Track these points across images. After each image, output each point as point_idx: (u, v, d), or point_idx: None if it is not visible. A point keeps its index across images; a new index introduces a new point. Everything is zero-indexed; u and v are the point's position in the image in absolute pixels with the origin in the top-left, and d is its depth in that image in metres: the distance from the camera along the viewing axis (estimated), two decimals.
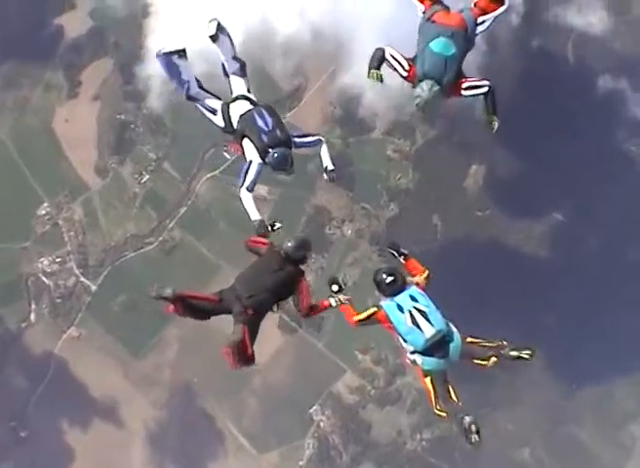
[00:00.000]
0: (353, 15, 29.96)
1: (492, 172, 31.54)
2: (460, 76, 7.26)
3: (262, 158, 7.68)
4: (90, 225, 31.01)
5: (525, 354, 6.96)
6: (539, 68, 31.04)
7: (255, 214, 7.81)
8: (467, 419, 6.65)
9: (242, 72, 8.42)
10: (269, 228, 7.80)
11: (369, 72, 7.25)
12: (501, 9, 7.38)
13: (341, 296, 7.39)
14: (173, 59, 8.09)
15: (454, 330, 6.63)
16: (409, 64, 7.21)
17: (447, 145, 31.10)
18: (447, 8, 7.34)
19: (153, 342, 30.76)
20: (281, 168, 7.70)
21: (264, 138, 7.64)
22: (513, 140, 30.81)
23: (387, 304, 6.56)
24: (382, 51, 7.35)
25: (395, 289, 6.66)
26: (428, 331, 6.38)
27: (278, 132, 7.74)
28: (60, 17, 32.48)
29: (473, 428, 6.63)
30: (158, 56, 8.11)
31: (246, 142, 7.73)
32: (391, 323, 6.53)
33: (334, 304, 7.34)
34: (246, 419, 30.87)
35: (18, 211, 30.86)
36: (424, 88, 6.94)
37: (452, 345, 6.57)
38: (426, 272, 7.13)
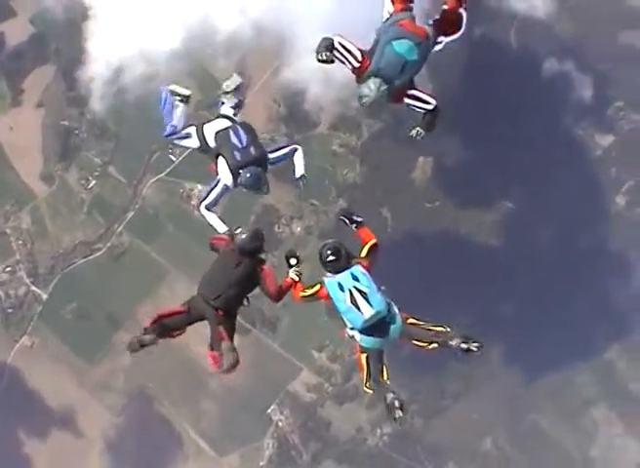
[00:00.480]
0: (295, 10, 29.74)
1: (439, 162, 31.40)
2: (411, 83, 6.92)
3: (234, 178, 7.40)
4: (38, 233, 30.78)
5: (474, 346, 6.65)
6: (483, 55, 30.83)
7: (221, 227, 7.56)
8: (390, 396, 6.51)
9: (237, 109, 8.34)
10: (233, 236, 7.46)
11: (318, 54, 6.68)
12: (457, 34, 7.07)
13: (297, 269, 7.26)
14: (175, 100, 7.91)
15: (395, 311, 6.48)
16: (362, 56, 6.76)
17: (393, 138, 30.86)
18: (414, 18, 6.95)
19: (106, 348, 30.46)
20: (254, 188, 7.46)
21: (237, 156, 7.35)
22: (460, 130, 30.66)
23: (329, 281, 6.43)
24: (331, 39, 6.88)
25: (337, 266, 6.50)
26: (367, 311, 6.26)
27: (252, 149, 7.45)
28: (0, 24, 32.11)
29: (396, 404, 6.46)
30: (164, 90, 7.89)
31: (220, 161, 7.44)
32: (331, 300, 6.43)
33: (296, 278, 7.26)
34: (204, 422, 30.68)
35: None
36: (372, 87, 6.55)
37: (392, 326, 6.42)
38: (373, 240, 6.89)
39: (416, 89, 6.92)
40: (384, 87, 6.53)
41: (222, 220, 7.61)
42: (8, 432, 30.54)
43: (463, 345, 6.55)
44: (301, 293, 6.92)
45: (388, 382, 6.64)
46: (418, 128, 7.37)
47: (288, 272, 7.34)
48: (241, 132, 7.52)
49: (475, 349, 6.57)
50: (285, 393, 30.57)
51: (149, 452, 30.79)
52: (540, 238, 31.48)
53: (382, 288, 6.46)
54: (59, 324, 30.46)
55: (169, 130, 7.71)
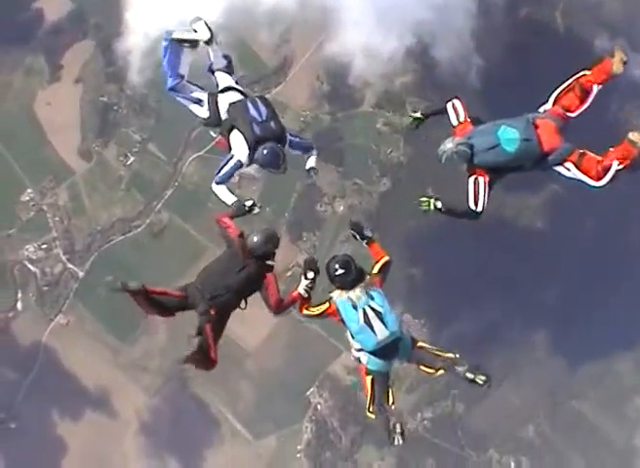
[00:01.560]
0: None
1: None
2: (490, 172, 6.50)
3: (251, 153, 7.02)
4: (75, 210, 30.26)
5: (479, 379, 6.37)
6: (527, 35, 30.32)
7: (230, 199, 7.22)
8: (393, 420, 6.37)
9: (229, 68, 7.66)
10: (247, 209, 7.14)
11: (411, 115, 6.65)
12: (602, 182, 6.47)
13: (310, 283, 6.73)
14: (180, 47, 7.35)
15: (405, 333, 6.28)
16: (465, 119, 6.74)
17: (438, 117, 30.25)
18: (559, 127, 6.51)
19: (143, 328, 29.91)
20: (272, 165, 7.06)
21: (257, 130, 6.93)
22: (507, 110, 30.14)
23: (340, 299, 6.12)
24: (445, 106, 6.89)
25: (347, 281, 6.16)
26: (381, 333, 6.00)
27: (272, 123, 7.04)
28: (38, 0, 31.70)
29: (398, 428, 6.38)
30: (167, 39, 7.32)
31: (235, 135, 7.05)
32: (342, 318, 6.13)
33: (304, 295, 6.75)
34: (241, 405, 30.10)
35: (1, 198, 30.07)
36: (448, 145, 6.42)
37: (401, 349, 6.23)
38: (386, 258, 6.59)
39: (486, 183, 6.37)
40: (463, 150, 6.27)
41: (231, 191, 7.23)
42: (41, 412, 29.94)
43: (469, 375, 6.29)
44: (307, 312, 6.55)
45: (393, 407, 6.37)
46: (434, 200, 6.75)
47: (298, 284, 6.80)
48: (260, 104, 7.11)
49: (481, 383, 6.26)
50: (324, 375, 29.99)
51: (185, 435, 30.20)
52: (587, 223, 30.85)
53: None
54: (95, 302, 29.88)
55: (172, 82, 7.19)
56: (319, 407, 29.98)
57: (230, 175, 7.20)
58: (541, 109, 6.76)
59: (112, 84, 30.92)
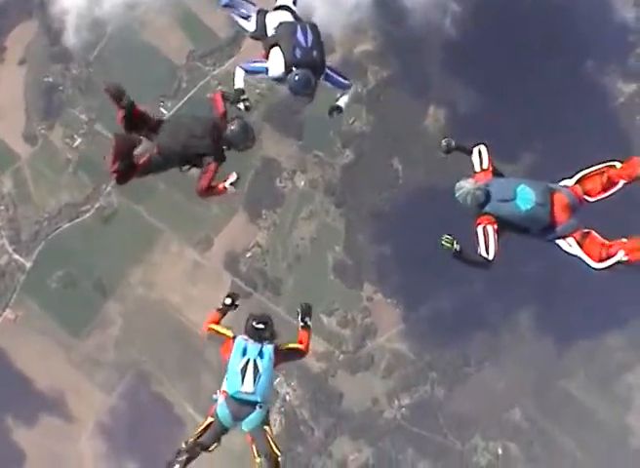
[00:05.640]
0: None
1: (453, 110, 29.12)
2: (497, 222, 6.42)
3: (284, 73, 6.99)
4: (20, 197, 28.57)
5: None
6: None
7: (238, 83, 7.26)
8: (180, 457, 6.07)
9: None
10: (239, 99, 7.19)
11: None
12: (601, 266, 6.55)
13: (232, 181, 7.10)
14: None
15: (265, 410, 6.22)
16: (488, 167, 6.74)
17: (401, 84, 28.71)
18: (573, 206, 6.55)
19: (96, 320, 27.99)
20: (299, 91, 6.96)
21: (297, 54, 6.90)
22: (474, 75, 28.58)
23: (240, 341, 6.26)
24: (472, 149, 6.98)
25: (258, 336, 6.29)
26: (247, 387, 6.07)
27: (314, 53, 6.99)
28: None
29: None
30: None
31: (275, 52, 7.01)
32: (229, 355, 6.31)
33: (229, 189, 7.09)
34: (204, 398, 27.88)
35: None
36: (467, 186, 6.39)
37: (253, 417, 6.13)
38: (305, 349, 6.71)
39: (495, 231, 6.37)
40: (480, 195, 6.35)
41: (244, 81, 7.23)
42: None
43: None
44: (212, 326, 6.68)
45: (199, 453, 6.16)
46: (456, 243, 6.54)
47: (225, 182, 7.02)
48: (309, 32, 7.09)
49: None
50: (292, 363, 27.79)
51: (145, 433, 28.08)
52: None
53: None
54: (44, 294, 27.99)
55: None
56: (287, 397, 27.95)
57: (255, 72, 7.22)
58: (562, 183, 6.71)
59: (57, 64, 29.30)
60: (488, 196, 6.41)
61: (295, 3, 7.58)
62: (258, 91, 28.72)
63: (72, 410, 28.58)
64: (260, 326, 6.25)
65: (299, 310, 6.89)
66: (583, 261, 6.53)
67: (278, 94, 28.42)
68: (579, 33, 29.34)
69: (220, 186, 7.00)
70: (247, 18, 7.37)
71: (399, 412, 28.42)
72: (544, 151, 29.27)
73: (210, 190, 6.91)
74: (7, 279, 28.15)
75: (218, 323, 6.69)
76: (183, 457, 6.01)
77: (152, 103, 28.52)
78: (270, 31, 7.20)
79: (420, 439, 28.32)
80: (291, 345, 6.57)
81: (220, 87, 28.50)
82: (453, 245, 6.37)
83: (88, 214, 28.20)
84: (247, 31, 7.47)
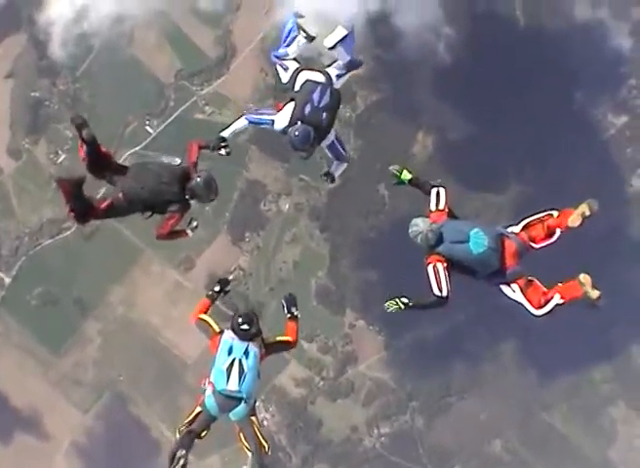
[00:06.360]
0: None
1: (442, 137, 28.89)
2: (448, 261, 6.60)
3: (287, 126, 7.13)
4: (2, 212, 28.33)
5: None
6: (488, 21, 28.58)
7: (226, 132, 7.45)
8: (183, 452, 6.21)
9: (348, 68, 7.53)
10: (218, 147, 7.39)
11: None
12: (541, 312, 6.80)
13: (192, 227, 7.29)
14: (299, 34, 7.54)
15: (251, 404, 6.43)
16: (444, 208, 6.89)
17: (391, 110, 28.46)
18: (518, 251, 6.76)
19: (74, 338, 27.70)
20: (295, 146, 7.09)
21: (306, 110, 7.05)
22: (464, 100, 28.33)
23: (227, 339, 6.41)
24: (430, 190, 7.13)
25: (247, 335, 6.41)
26: (232, 385, 6.27)
27: (324, 115, 7.11)
28: None
29: (181, 462, 6.14)
30: (293, 20, 7.53)
31: (289, 105, 7.21)
32: (216, 350, 6.46)
33: (189, 233, 7.24)
34: (180, 420, 27.56)
35: None
36: (421, 225, 6.49)
37: (239, 410, 6.34)
38: (292, 341, 6.92)
39: (445, 269, 6.50)
40: (431, 237, 6.42)
41: (235, 133, 7.46)
42: None
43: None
44: (201, 316, 6.83)
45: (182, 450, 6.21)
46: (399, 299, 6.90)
47: (188, 226, 7.20)
48: (327, 94, 7.20)
49: None
50: (271, 388, 27.63)
51: (121, 453, 27.80)
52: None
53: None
54: (23, 311, 27.71)
55: (280, 53, 7.50)
56: (265, 422, 27.55)
57: (259, 124, 7.44)
58: (510, 229, 6.92)
59: (45, 78, 29.02)
60: (440, 238, 6.52)
61: (338, 76, 7.52)
62: (245, 111, 28.60)
63: (48, 429, 28.31)
64: (245, 326, 6.34)
65: (283, 302, 7.09)
66: (525, 308, 6.68)
67: None
68: (571, 63, 29.10)
69: (183, 232, 7.16)
70: (286, 69, 7.49)
71: (379, 441, 28.09)
72: (533, 182, 29.00)
73: (170, 235, 7.01)
74: None
75: (206, 312, 6.86)
76: (180, 459, 6.13)
77: (138, 121, 28.41)
78: (297, 87, 7.30)
79: None
80: (279, 338, 6.76)
81: (207, 107, 28.33)
82: (399, 304, 6.68)
83: (69, 231, 27.88)
84: (281, 81, 7.60)
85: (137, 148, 27.95)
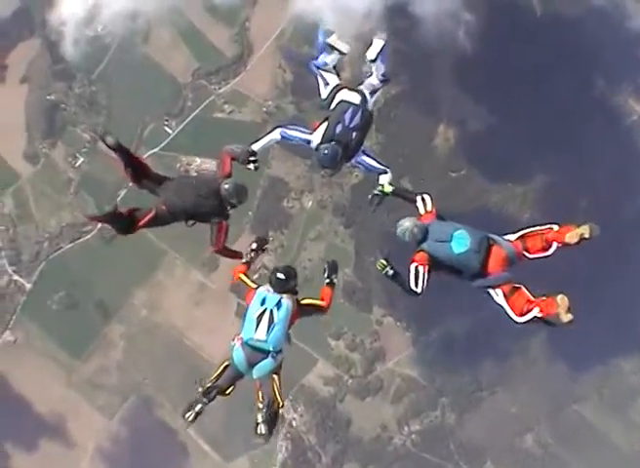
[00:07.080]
0: None
1: (464, 129, 28.59)
2: (434, 263, 6.76)
3: (319, 144, 7.25)
4: (21, 217, 27.99)
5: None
6: (508, 12, 28.34)
7: (257, 145, 7.35)
8: (200, 406, 6.40)
9: (382, 81, 7.72)
10: (247, 162, 7.23)
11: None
12: (521, 320, 6.70)
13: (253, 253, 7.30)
14: (331, 47, 7.59)
15: (277, 361, 6.44)
16: (432, 210, 7.06)
17: (411, 103, 28.18)
18: (509, 258, 6.81)
19: (97, 342, 27.32)
20: (325, 164, 7.20)
21: (336, 130, 7.18)
22: (484, 90, 28.08)
23: (262, 292, 6.49)
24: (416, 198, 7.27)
25: (281, 287, 6.48)
26: (260, 334, 6.32)
27: (354, 134, 7.25)
28: None
29: (197, 408, 6.39)
30: (322, 35, 7.58)
31: (323, 124, 7.31)
32: (250, 302, 6.57)
33: (245, 259, 7.23)
34: (207, 423, 27.16)
35: None
36: (407, 224, 6.68)
37: (264, 364, 6.40)
38: (325, 306, 6.85)
39: (425, 272, 6.64)
40: (416, 233, 6.65)
41: (266, 148, 7.42)
42: None
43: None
44: (241, 275, 6.98)
45: (208, 402, 6.43)
46: (389, 268, 6.93)
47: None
48: (359, 115, 7.33)
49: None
50: (299, 387, 27.27)
51: (147, 459, 27.34)
52: (576, 211, 28.42)
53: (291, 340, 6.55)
54: (44, 316, 27.36)
55: (319, 63, 7.60)
56: (294, 423, 27.23)
57: (292, 139, 7.45)
58: (506, 237, 6.94)
59: (60, 82, 28.75)
60: (425, 234, 6.72)
61: (372, 93, 7.64)
62: (264, 109, 28.37)
63: (72, 435, 27.92)
64: (282, 275, 6.42)
65: (325, 266, 7.09)
66: (506, 313, 6.74)
67: (286, 113, 28.07)
68: (591, 49, 28.88)
69: (239, 254, 7.26)
70: (327, 85, 7.60)
71: (409, 439, 27.71)
72: (556, 171, 28.71)
73: (227, 251, 7.20)
74: (7, 300, 27.60)
75: (245, 273, 6.96)
76: (204, 399, 6.30)
77: (156, 122, 28.12)
78: (332, 105, 7.42)
79: (430, 466, 27.63)
80: (313, 301, 6.77)
81: (226, 105, 28.05)
82: (385, 269, 6.75)
83: (90, 235, 27.59)
84: (320, 96, 7.70)
85: (156, 149, 27.64)
